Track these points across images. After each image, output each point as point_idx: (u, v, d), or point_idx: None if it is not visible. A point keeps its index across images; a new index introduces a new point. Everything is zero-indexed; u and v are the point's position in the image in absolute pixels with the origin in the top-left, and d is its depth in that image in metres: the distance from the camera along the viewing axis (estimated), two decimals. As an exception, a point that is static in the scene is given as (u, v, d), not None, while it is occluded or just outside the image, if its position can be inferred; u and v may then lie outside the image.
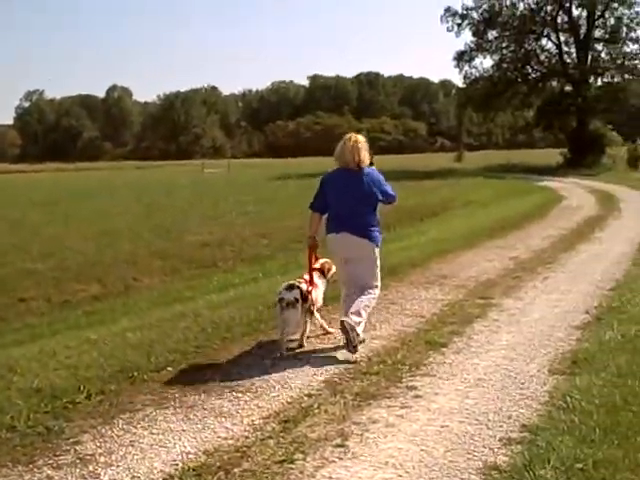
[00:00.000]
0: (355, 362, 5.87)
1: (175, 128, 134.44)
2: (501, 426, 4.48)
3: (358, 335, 6.02)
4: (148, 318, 8.30)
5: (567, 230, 14.75)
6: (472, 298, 8.31)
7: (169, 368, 5.82)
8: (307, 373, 5.66)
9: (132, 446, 4.32)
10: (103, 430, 4.57)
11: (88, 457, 4.19)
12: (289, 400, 5.05)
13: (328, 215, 6.59)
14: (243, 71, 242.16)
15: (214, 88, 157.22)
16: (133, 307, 10.34)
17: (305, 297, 6.27)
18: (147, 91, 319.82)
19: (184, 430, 4.56)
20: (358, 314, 6.11)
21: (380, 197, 6.48)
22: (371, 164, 6.57)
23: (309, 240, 6.66)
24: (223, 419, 4.74)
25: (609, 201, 21.80)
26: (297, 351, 6.30)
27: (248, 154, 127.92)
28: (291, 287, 6.28)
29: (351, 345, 5.95)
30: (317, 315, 6.68)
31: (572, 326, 6.91)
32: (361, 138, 6.61)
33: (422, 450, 4.15)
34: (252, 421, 4.68)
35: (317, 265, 6.81)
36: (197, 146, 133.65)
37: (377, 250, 6.49)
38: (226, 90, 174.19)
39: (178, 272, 12.79)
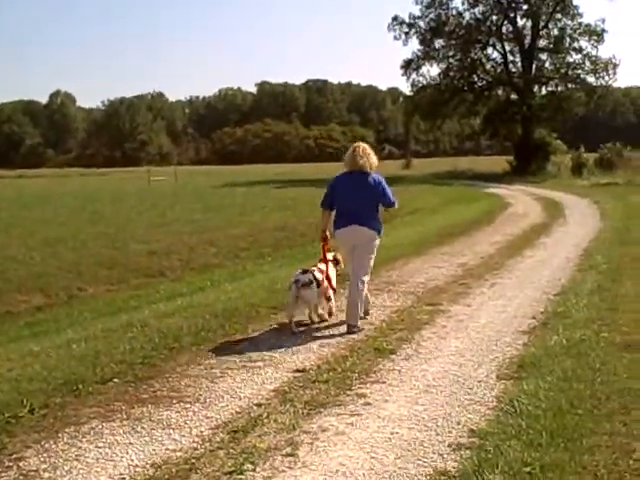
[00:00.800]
0: (304, 370, 5.85)
1: (120, 135, 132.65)
2: (450, 432, 4.51)
3: (356, 327, 7.23)
4: (93, 329, 8.13)
5: (514, 236, 14.99)
6: (421, 304, 8.38)
7: (115, 380, 5.71)
8: (256, 382, 5.61)
9: (77, 460, 4.22)
10: (47, 445, 4.46)
11: (32, 473, 4.08)
12: (238, 410, 5.00)
13: (336, 212, 7.63)
14: (190, 77, 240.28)
15: (160, 94, 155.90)
16: (78, 317, 10.12)
17: (318, 282, 7.32)
18: (91, 97, 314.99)
19: (131, 443, 4.48)
20: (357, 315, 7.33)
21: (381, 199, 7.57)
22: None
23: (322, 234, 7.79)
24: (171, 431, 4.66)
25: (554, 208, 22.21)
26: (301, 329, 7.28)
27: (195, 161, 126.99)
28: (305, 271, 7.36)
29: (352, 332, 7.14)
30: (332, 301, 7.83)
31: (519, 331, 7.01)
32: (367, 146, 7.73)
33: (372, 457, 4.15)
34: (201, 432, 4.62)
35: (330, 256, 7.90)
36: (143, 153, 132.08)
37: (378, 239, 7.66)
38: (172, 96, 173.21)
39: (124, 281, 12.58)
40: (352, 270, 7.58)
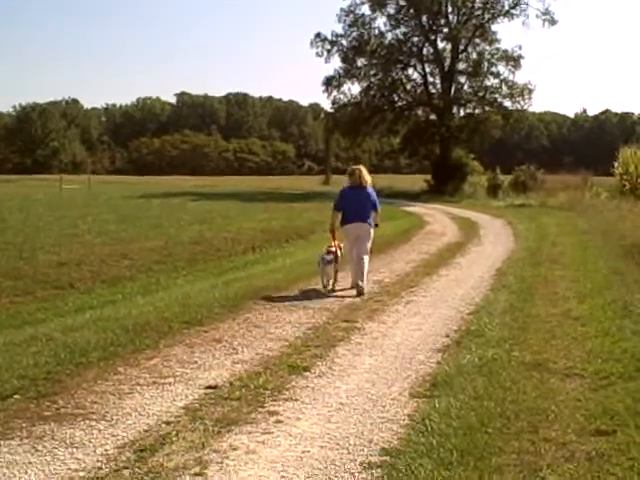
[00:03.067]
0: (216, 387, 5.73)
1: (32, 141, 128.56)
2: (362, 450, 4.48)
3: (363, 289, 10.27)
4: (-6, 342, 7.78)
5: (430, 255, 15.20)
6: (336, 321, 8.36)
7: (16, 396, 5.46)
8: (166, 399, 5.46)
9: (-29, 482, 3.99)
10: (-62, 465, 4.20)
11: None
12: (146, 428, 4.85)
13: (343, 214, 10.79)
14: (107, 85, 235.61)
15: (75, 101, 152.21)
16: (-22, 330, 9.67)
17: (337, 259, 10.63)
18: (2, 101, 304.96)
19: (31, 462, 4.28)
20: (363, 278, 10.41)
21: (374, 205, 10.90)
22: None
23: (331, 227, 11.18)
24: (74, 449, 4.48)
25: (470, 228, 22.67)
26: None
27: (110, 171, 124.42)
28: (329, 252, 10.57)
29: (361, 294, 10.14)
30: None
31: (433, 349, 7.07)
32: (364, 168, 11.13)
33: (282, 477, 4.09)
34: (106, 451, 4.46)
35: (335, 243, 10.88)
36: (55, 161, 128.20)
37: (373, 230, 10.83)
38: (88, 104, 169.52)
39: (31, 293, 12.10)
40: (355, 252, 10.66)
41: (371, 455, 4.39)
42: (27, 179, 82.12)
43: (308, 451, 4.46)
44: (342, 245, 10.97)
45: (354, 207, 10.71)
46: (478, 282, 11.47)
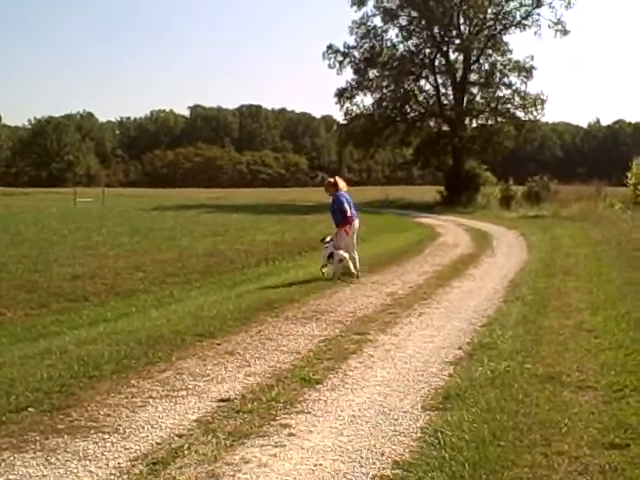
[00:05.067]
0: (228, 400, 5.74)
1: (47, 154, 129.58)
2: (374, 463, 4.48)
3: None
4: (9, 355, 7.84)
5: (442, 267, 15.16)
6: (348, 334, 8.35)
7: (30, 409, 5.49)
8: (179, 412, 5.48)
9: (-15, 494, 4.02)
10: (-46, 477, 4.24)
11: None
12: (159, 441, 4.86)
13: (349, 212, 13.29)
14: (121, 98, 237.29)
15: (90, 114, 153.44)
16: (-6, 343, 9.73)
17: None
18: (17, 115, 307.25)
19: (44, 475, 4.30)
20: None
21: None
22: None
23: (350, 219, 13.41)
24: (87, 462, 4.50)
25: (483, 239, 22.61)
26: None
27: (124, 183, 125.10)
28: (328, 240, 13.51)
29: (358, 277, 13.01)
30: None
31: (445, 362, 7.06)
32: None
33: (295, 491, 4.08)
34: (119, 464, 4.48)
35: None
36: (70, 174, 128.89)
37: None
38: (102, 117, 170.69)
39: (45, 306, 12.18)
40: (351, 245, 13.35)
41: (383, 468, 4.39)
42: (42, 192, 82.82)
43: (320, 464, 4.46)
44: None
45: (353, 207, 13.52)
46: (491, 294, 11.44)
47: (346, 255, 12.99)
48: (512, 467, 4.33)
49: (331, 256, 13.10)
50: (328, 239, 13.51)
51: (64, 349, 7.56)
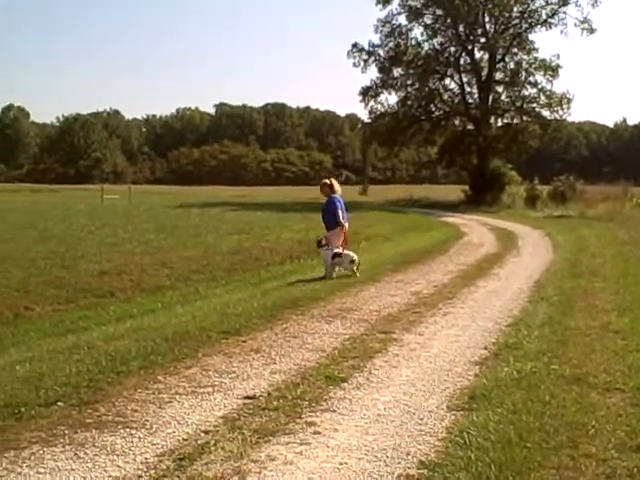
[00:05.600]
0: (254, 397, 5.77)
1: (74, 152, 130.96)
2: (399, 463, 4.47)
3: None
4: (38, 350, 7.94)
5: (467, 266, 15.09)
6: (373, 332, 8.35)
7: (59, 403, 5.56)
8: (205, 408, 5.52)
9: (16, 487, 4.07)
10: (-16, 470, 4.29)
11: (-33, 499, 3.92)
12: (185, 437, 4.90)
13: (337, 215, 13.55)
14: (147, 96, 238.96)
15: (116, 112, 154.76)
16: (23, 337, 9.88)
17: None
18: (46, 112, 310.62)
19: (73, 469, 4.34)
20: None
21: None
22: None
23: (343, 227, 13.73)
24: (115, 457, 4.54)
25: (508, 239, 22.46)
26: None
27: (150, 180, 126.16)
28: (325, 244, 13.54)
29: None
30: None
31: (471, 362, 7.03)
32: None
33: (320, 489, 4.09)
34: (146, 459, 4.51)
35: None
36: (97, 171, 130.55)
37: None
38: (129, 114, 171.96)
39: (73, 301, 12.33)
40: (341, 243, 13.55)
41: (408, 468, 4.38)
42: (70, 189, 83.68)
43: (345, 463, 4.47)
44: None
45: (345, 211, 13.83)
46: (516, 294, 11.37)
47: (356, 257, 13.34)
48: (539, 469, 4.31)
49: (335, 257, 13.27)
50: (324, 242, 13.57)
51: (92, 344, 7.65)
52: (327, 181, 14.08)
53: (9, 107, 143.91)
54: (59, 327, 10.39)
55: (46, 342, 8.78)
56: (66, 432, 4.96)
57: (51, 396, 5.68)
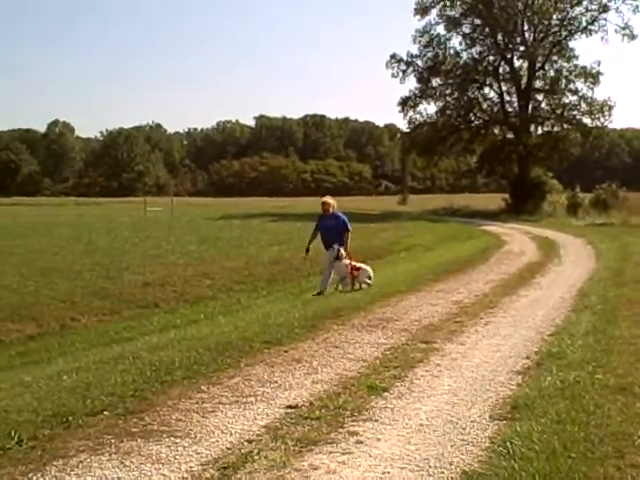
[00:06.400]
0: (296, 407, 5.80)
1: (118, 165, 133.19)
2: (442, 472, 4.45)
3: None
4: (85, 360, 8.09)
5: (509, 275, 14.97)
6: (415, 342, 8.33)
7: (106, 412, 5.64)
8: (248, 418, 5.56)
9: (64, 494, 4.15)
10: (35, 477, 4.38)
11: (18, 506, 4.01)
12: (229, 446, 4.94)
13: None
14: (188, 110, 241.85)
15: (159, 126, 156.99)
16: (69, 348, 10.08)
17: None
18: (90, 127, 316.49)
19: (120, 477, 4.40)
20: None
21: None
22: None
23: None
24: (160, 465, 4.59)
25: (550, 247, 22.23)
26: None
27: (192, 193, 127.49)
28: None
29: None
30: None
31: (513, 371, 6.97)
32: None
33: (363, 498, 4.10)
34: (190, 468, 4.55)
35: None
36: (140, 184, 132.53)
37: None
38: (171, 128, 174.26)
39: (117, 312, 12.55)
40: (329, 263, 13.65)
41: (452, 478, 4.36)
42: (114, 202, 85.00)
43: (388, 472, 4.46)
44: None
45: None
46: (559, 303, 11.24)
47: (372, 273, 13.80)
48: (584, 479, 4.26)
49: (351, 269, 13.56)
50: (342, 255, 13.50)
51: (137, 354, 7.75)
52: (331, 200, 14.28)
53: (55, 122, 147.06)
54: (104, 337, 10.56)
55: (92, 352, 8.94)
56: (112, 441, 5.03)
57: (98, 405, 5.77)
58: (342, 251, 13.47)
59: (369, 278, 13.51)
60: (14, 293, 13.90)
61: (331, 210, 13.99)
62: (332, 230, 13.74)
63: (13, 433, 5.05)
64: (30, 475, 4.42)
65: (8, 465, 4.58)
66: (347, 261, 13.46)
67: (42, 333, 11.39)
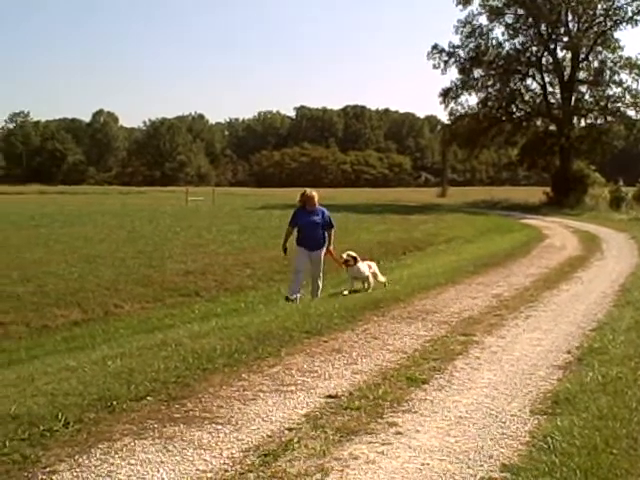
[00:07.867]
0: (336, 397, 5.84)
1: (160, 155, 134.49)
2: (482, 465, 4.45)
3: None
4: (128, 346, 8.21)
5: (549, 269, 14.82)
6: (454, 335, 8.30)
7: (149, 398, 5.73)
8: (288, 406, 5.61)
9: (109, 477, 4.23)
10: (80, 459, 4.48)
11: (64, 487, 4.10)
12: (269, 434, 4.99)
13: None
14: (230, 100, 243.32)
15: (201, 116, 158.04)
16: (113, 334, 10.26)
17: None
18: (134, 117, 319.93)
19: (162, 462, 4.48)
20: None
21: None
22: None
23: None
24: (202, 451, 4.66)
25: (591, 241, 21.94)
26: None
27: (233, 183, 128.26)
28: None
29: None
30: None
31: (553, 366, 6.92)
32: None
33: (403, 488, 4.12)
34: (232, 454, 4.61)
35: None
36: (182, 173, 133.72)
37: None
38: (213, 118, 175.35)
39: (160, 300, 12.73)
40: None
41: (491, 471, 4.35)
42: (156, 191, 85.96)
43: (428, 464, 4.47)
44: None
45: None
46: (600, 298, 11.10)
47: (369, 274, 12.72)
48: (626, 476, 4.22)
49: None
50: (351, 261, 12.69)
51: (179, 342, 7.85)
52: (314, 193, 12.84)
53: (99, 112, 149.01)
54: (147, 324, 10.73)
55: (135, 339, 9.07)
56: (155, 426, 5.12)
57: (141, 391, 5.86)
58: (353, 253, 12.79)
59: (357, 278, 12.75)
60: (60, 279, 14.20)
61: (317, 205, 12.73)
62: (318, 228, 12.65)
63: (60, 415, 5.16)
64: (76, 457, 4.52)
65: (55, 447, 4.68)
66: (365, 263, 12.86)
67: (86, 319, 11.62)
